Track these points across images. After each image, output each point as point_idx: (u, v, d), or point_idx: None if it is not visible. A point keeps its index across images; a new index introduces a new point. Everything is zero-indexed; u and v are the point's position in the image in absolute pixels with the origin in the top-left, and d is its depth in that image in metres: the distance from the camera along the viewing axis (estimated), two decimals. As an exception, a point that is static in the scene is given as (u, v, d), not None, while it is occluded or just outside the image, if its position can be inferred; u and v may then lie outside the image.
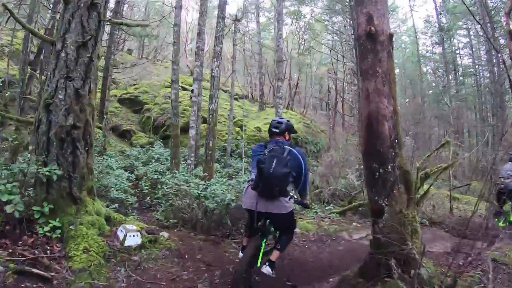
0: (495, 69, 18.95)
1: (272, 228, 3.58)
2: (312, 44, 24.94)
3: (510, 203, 6.35)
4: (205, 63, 21.26)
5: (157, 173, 8.68)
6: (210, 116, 9.01)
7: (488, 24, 16.54)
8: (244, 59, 25.39)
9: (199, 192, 5.39)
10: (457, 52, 26.11)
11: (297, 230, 5.47)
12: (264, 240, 3.43)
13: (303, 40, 26.31)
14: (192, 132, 9.45)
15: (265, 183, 3.13)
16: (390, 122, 3.11)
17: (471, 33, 24.30)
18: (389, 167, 3.06)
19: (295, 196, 3.40)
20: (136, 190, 7.78)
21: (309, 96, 27.00)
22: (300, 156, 3.30)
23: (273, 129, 3.51)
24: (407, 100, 29.31)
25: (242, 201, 3.58)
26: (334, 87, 24.60)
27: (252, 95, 24.34)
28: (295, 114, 20.66)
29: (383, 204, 3.05)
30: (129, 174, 8.31)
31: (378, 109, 3.13)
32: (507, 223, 6.38)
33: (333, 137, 18.46)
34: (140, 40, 23.92)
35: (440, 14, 24.42)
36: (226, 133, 13.29)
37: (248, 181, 3.48)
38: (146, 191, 7.60)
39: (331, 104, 24.47)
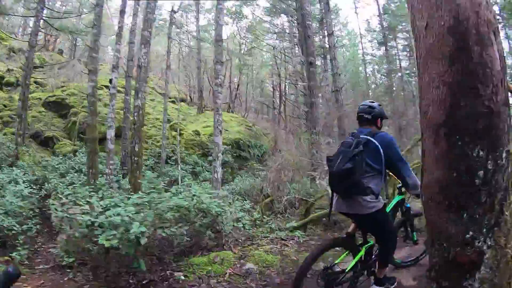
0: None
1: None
2: (254, 45, 24.02)
3: None
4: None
5: (73, 186, 6.60)
6: (136, 114, 7.30)
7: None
8: (182, 59, 23.73)
9: (92, 220, 3.26)
10: (397, 54, 26.91)
11: (252, 267, 3.81)
12: (365, 247, 2.97)
13: (244, 41, 25.30)
14: (110, 133, 7.55)
15: (331, 183, 2.84)
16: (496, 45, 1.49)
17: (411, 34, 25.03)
18: (504, 153, 1.43)
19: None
20: (42, 210, 6.02)
21: (251, 99, 26.16)
22: (378, 143, 2.74)
23: (365, 116, 2.95)
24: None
25: None
26: (277, 88, 23.96)
27: (190, 97, 22.85)
28: (236, 117, 19.90)
29: (484, 244, 1.46)
30: (36, 189, 6.65)
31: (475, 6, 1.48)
32: None
33: (281, 139, 17.49)
34: (72, 39, 21.39)
35: (384, 15, 24.91)
36: (162, 138, 11.86)
37: None
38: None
39: (274, 105, 23.76)
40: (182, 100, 20.35)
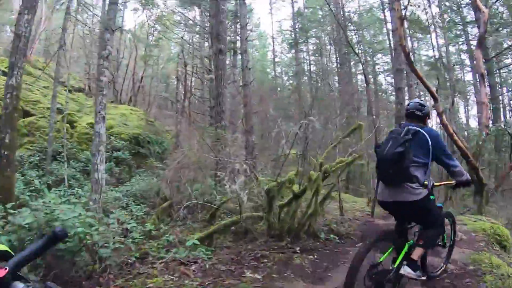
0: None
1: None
2: (162, 35, 22.27)
3: None
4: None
5: None
6: (8, 96, 5.66)
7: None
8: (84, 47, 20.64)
9: None
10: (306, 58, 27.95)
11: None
12: (408, 245, 2.94)
13: (153, 31, 23.26)
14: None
15: (380, 168, 2.90)
16: None
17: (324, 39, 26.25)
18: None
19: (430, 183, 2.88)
20: None
21: (155, 94, 24.38)
22: (427, 135, 2.85)
23: (417, 112, 3.03)
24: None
25: None
26: (182, 82, 22.49)
27: (89, 87, 20.08)
28: (137, 111, 18.27)
29: None
30: None
31: None
32: None
33: (183, 135, 16.25)
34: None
35: (298, 17, 25.51)
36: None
37: None
38: None
39: (178, 100, 22.30)
40: (79, 90, 17.95)
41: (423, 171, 2.86)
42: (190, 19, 20.54)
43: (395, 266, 2.82)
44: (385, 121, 23.64)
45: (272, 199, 5.09)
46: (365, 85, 14.16)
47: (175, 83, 24.12)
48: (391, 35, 26.39)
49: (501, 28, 17.36)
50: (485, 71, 11.39)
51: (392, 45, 25.65)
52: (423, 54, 26.32)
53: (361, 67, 24.76)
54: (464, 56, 23.05)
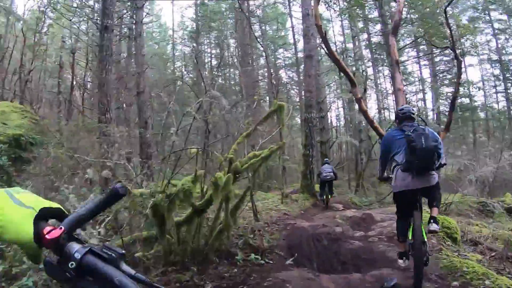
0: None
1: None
2: (53, 22, 18.62)
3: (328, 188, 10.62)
4: None
5: None
6: None
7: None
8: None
9: None
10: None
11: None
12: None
13: (43, 17, 19.23)
14: None
15: (421, 159, 3.27)
16: None
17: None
18: None
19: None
20: None
21: (43, 89, 20.63)
22: (432, 132, 3.53)
23: (411, 114, 3.69)
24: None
25: (393, 185, 3.63)
26: (70, 71, 19.22)
27: None
28: (20, 108, 14.77)
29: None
30: None
31: None
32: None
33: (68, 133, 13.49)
34: None
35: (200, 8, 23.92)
36: None
37: (396, 165, 3.52)
38: None
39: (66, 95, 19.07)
40: None
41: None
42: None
43: (423, 235, 3.35)
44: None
45: (163, 220, 3.49)
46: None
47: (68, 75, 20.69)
48: (295, 28, 26.81)
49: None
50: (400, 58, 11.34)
51: (296, 37, 26.51)
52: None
53: (262, 62, 24.59)
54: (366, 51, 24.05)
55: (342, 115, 30.53)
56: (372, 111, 23.26)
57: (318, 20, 8.45)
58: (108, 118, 8.25)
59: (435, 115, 22.83)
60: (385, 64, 24.57)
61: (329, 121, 25.76)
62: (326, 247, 4.97)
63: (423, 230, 3.33)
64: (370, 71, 23.49)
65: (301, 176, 12.35)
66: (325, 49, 8.56)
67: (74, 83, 19.57)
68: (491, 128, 24.18)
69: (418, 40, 21.22)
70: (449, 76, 24.75)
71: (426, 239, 3.34)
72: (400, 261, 3.70)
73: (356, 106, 24.33)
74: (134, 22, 13.98)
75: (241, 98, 14.46)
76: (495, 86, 23.56)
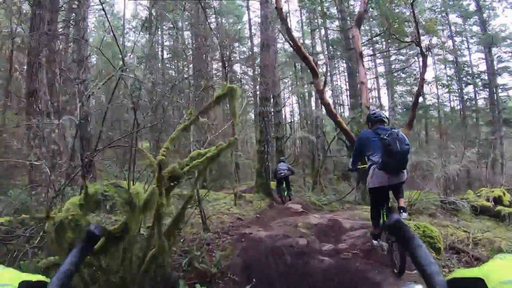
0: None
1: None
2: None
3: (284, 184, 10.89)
4: None
5: None
6: None
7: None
8: None
9: None
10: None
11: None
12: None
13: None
14: None
15: (397, 161, 3.68)
16: None
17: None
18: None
19: None
20: None
21: None
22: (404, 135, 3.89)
23: (384, 118, 4.19)
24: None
25: (368, 181, 4.07)
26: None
27: None
28: None
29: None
30: None
31: None
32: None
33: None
34: None
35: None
36: None
37: (372, 164, 3.93)
38: None
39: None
40: None
41: None
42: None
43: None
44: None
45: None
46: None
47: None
48: (252, 21, 25.93)
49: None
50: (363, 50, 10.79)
51: (253, 31, 25.68)
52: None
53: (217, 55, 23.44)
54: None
55: (297, 111, 30.24)
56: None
57: (279, 3, 7.52)
58: (38, 109, 6.73)
59: (390, 112, 23.16)
60: (342, 60, 24.52)
61: (283, 117, 25.26)
62: (290, 265, 4.06)
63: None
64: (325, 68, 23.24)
65: (255, 174, 11.46)
66: (286, 34, 7.65)
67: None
68: (443, 126, 25.04)
69: (377, 37, 21.31)
70: (403, 75, 25.35)
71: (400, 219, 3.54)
72: (375, 241, 4.26)
73: (313, 102, 24.21)
74: (77, 4, 12.18)
75: (180, 80, 13.15)
76: (448, 86, 24.35)
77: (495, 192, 10.12)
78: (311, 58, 7.81)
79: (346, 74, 25.14)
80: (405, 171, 3.86)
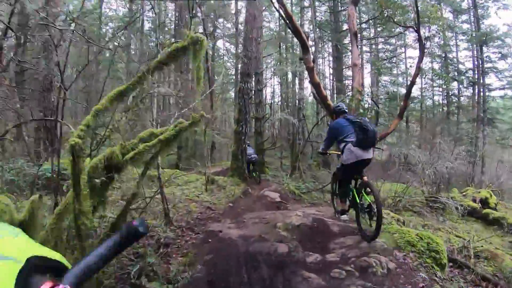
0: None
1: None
2: None
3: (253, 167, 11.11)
4: None
5: None
6: None
7: None
8: None
9: None
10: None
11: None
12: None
13: None
14: None
15: (370, 137, 4.18)
16: None
17: None
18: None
19: None
20: None
21: None
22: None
23: (346, 110, 4.92)
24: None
25: (345, 159, 4.43)
26: None
27: None
28: None
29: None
30: None
31: None
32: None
33: None
34: None
35: None
36: None
37: (347, 144, 4.36)
38: None
39: None
40: None
41: None
42: None
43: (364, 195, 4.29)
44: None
45: None
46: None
47: None
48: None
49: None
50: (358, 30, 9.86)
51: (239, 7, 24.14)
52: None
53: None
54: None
55: (278, 93, 29.25)
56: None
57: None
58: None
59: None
60: (329, 43, 23.55)
61: (264, 97, 24.23)
62: (268, 281, 3.20)
63: (363, 191, 4.26)
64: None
65: (231, 156, 10.54)
66: (281, 7, 6.57)
67: None
68: (425, 119, 24.81)
69: (366, 23, 20.36)
70: (389, 65, 24.74)
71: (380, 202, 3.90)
72: (344, 216, 4.92)
73: (297, 83, 23.17)
74: None
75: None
76: (432, 80, 23.91)
77: (481, 193, 9.65)
78: (302, 30, 6.79)
79: (331, 58, 24.28)
80: (373, 148, 4.42)
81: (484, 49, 21.55)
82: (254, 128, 14.08)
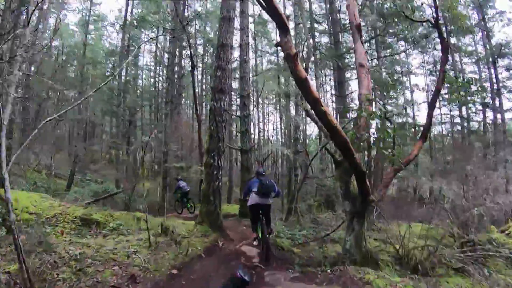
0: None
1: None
2: None
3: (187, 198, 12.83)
4: None
5: None
6: None
7: None
8: None
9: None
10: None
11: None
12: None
13: None
14: None
15: (265, 190, 6.34)
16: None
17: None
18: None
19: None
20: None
21: None
22: (274, 182, 6.73)
23: (263, 172, 6.74)
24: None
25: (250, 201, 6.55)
26: None
27: None
28: None
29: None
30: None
31: None
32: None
33: None
34: None
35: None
36: None
37: (250, 193, 6.55)
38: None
39: None
40: None
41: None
42: None
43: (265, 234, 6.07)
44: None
45: None
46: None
47: None
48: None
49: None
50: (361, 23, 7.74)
51: None
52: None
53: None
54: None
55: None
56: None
57: None
58: None
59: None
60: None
61: (253, 123, 21.84)
62: None
63: (266, 230, 6.12)
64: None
65: (201, 197, 7.99)
66: None
67: None
68: (433, 149, 22.29)
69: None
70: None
71: (268, 235, 6.12)
72: (255, 242, 6.74)
73: (292, 110, 20.73)
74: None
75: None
76: (440, 108, 21.67)
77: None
78: (279, 7, 4.54)
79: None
80: (270, 198, 6.49)
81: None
82: (241, 162, 11.66)
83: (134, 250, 5.15)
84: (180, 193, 12.71)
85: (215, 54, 8.19)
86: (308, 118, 11.69)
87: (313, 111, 5.27)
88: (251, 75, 18.42)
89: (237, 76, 17.09)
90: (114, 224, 6.87)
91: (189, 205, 12.54)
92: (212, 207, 7.43)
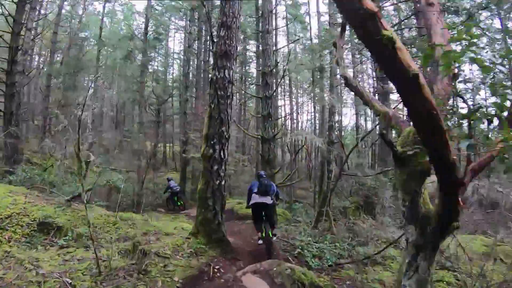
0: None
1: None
2: None
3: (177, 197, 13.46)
4: None
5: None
6: None
7: None
8: None
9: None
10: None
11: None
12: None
13: None
14: None
15: (264, 189, 6.50)
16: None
17: None
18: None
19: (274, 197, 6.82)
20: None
21: None
22: (272, 183, 7.09)
23: (264, 175, 7.07)
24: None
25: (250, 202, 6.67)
26: None
27: None
28: None
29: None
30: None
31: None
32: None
33: None
34: None
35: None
36: None
37: (253, 193, 6.59)
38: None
39: None
40: None
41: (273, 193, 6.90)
42: None
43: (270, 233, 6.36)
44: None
45: None
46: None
47: None
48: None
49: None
50: None
51: None
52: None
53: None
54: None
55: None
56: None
57: None
58: None
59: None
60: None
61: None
62: None
63: (269, 230, 6.35)
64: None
65: (198, 200, 6.03)
66: None
67: None
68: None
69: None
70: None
71: (270, 235, 6.32)
72: (260, 241, 6.39)
73: (326, 84, 18.22)
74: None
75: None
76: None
77: None
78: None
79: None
80: (269, 197, 6.52)
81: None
82: (261, 153, 9.68)
83: (71, 280, 3.41)
84: (170, 193, 13.52)
85: (219, 9, 6.18)
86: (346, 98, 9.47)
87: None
88: (284, 63, 16.28)
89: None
90: (81, 231, 5.28)
91: (179, 203, 13.40)
92: (210, 215, 5.54)
